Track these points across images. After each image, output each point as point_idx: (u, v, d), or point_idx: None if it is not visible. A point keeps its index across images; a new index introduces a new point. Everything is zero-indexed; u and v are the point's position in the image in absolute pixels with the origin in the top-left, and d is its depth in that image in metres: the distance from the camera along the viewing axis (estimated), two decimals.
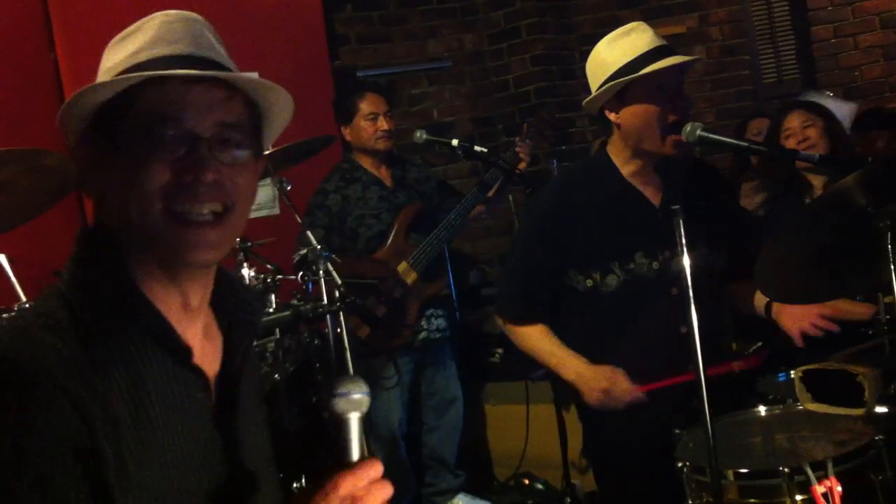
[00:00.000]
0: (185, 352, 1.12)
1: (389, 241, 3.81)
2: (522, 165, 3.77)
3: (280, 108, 1.21)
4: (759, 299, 2.45)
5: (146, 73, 1.10)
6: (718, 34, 5.63)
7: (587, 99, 2.34)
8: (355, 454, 1.09)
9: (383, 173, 3.94)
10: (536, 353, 2.44)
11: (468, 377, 4.41)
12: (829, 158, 2.53)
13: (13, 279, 2.71)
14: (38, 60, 3.94)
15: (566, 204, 2.38)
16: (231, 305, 1.24)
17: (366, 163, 3.92)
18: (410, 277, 3.76)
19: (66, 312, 1.06)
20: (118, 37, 1.17)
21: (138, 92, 1.10)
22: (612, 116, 2.32)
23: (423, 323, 3.91)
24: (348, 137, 3.92)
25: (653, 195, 2.37)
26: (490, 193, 3.95)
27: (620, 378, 2.27)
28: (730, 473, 1.92)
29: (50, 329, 1.04)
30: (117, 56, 1.15)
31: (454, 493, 4.17)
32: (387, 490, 1.06)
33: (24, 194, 2.62)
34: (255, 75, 1.22)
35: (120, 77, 1.10)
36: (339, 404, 1.10)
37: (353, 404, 1.10)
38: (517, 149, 3.81)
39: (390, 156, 4.00)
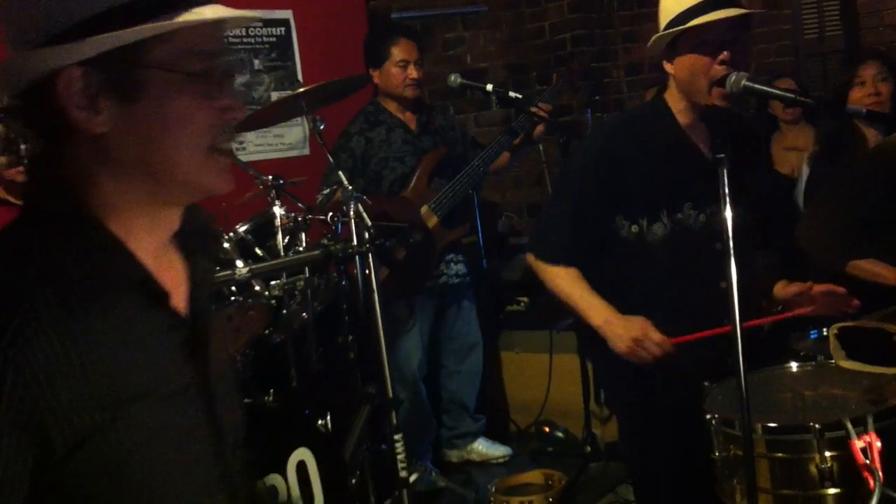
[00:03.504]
0: (163, 295, 1.10)
1: (412, 184, 3.80)
2: (542, 114, 3.75)
3: None
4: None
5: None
6: None
7: (648, 46, 2.35)
8: None
9: (408, 118, 3.92)
10: (566, 295, 2.37)
11: (492, 325, 4.42)
12: (878, 115, 2.45)
13: None
14: None
15: (621, 147, 2.33)
16: (190, 233, 1.21)
17: (391, 107, 3.90)
18: (431, 221, 3.76)
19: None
20: None
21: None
22: (667, 67, 2.31)
23: (443, 268, 3.93)
24: (376, 80, 3.90)
25: (705, 148, 2.34)
26: (516, 142, 3.92)
27: (651, 329, 2.22)
28: (759, 427, 1.92)
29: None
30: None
31: (473, 436, 4.21)
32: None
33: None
34: None
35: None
36: None
37: None
38: (538, 105, 3.78)
39: (417, 102, 3.97)
